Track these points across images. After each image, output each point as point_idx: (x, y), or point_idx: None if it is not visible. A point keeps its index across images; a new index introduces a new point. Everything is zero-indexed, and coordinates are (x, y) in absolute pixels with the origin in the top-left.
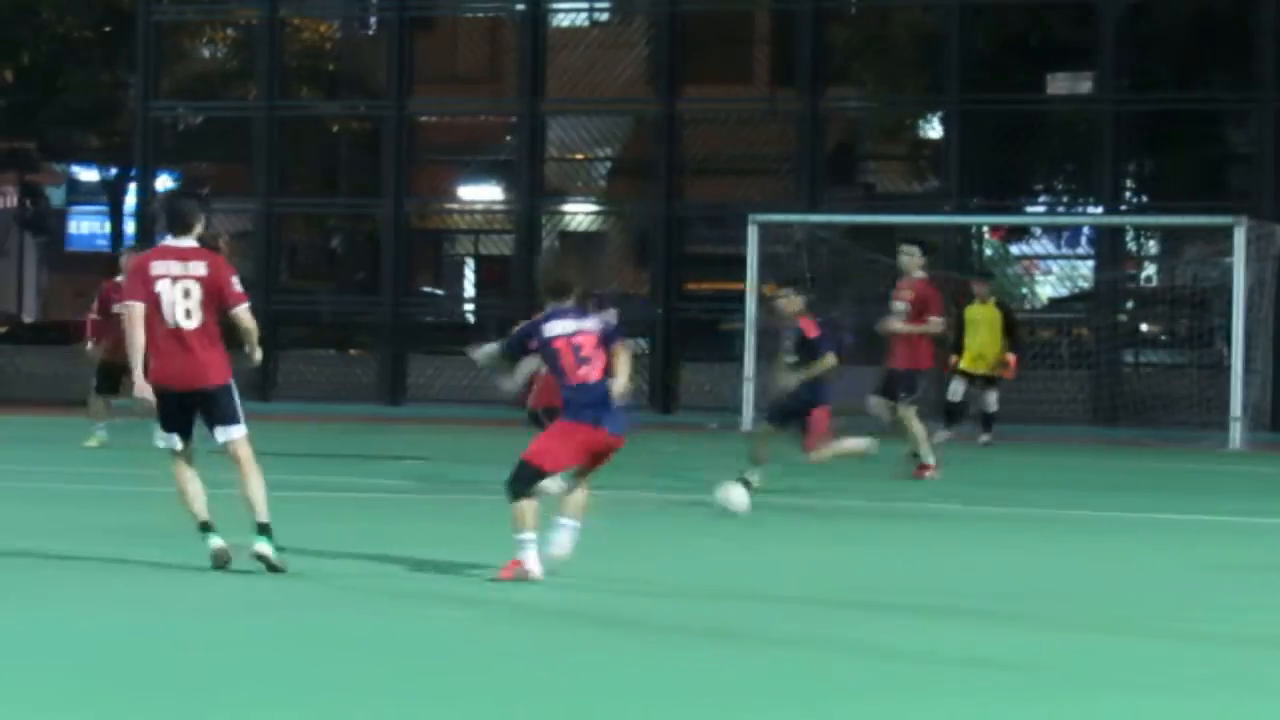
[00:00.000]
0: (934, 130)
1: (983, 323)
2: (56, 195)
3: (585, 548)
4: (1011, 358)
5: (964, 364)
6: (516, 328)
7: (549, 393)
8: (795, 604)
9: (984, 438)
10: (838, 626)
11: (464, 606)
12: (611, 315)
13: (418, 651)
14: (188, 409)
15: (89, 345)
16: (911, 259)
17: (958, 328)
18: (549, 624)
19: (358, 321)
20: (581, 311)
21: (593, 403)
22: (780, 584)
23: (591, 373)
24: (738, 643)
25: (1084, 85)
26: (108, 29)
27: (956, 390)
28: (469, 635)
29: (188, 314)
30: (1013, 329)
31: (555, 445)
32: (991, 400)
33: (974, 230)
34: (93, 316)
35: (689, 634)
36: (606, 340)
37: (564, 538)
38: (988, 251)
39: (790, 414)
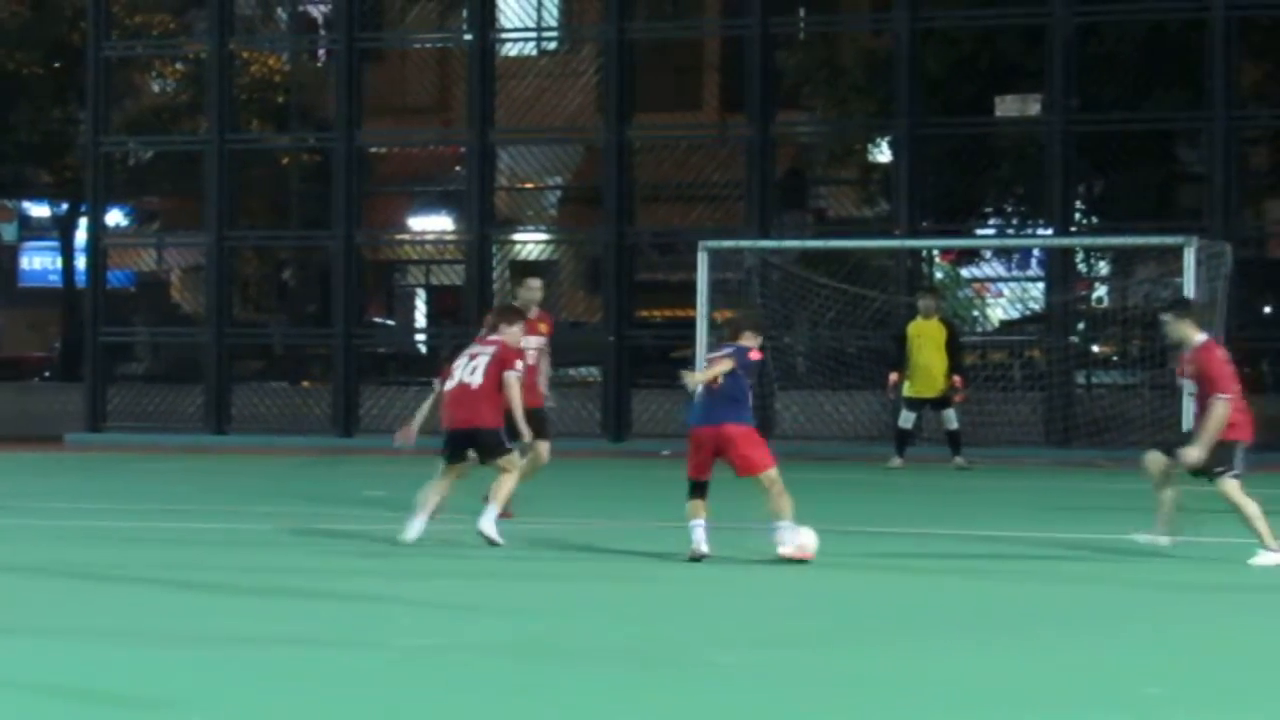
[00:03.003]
0: (884, 154)
1: (926, 339)
2: (8, 231)
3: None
4: (957, 379)
5: (910, 390)
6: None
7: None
8: (734, 630)
9: (958, 460)
10: (779, 651)
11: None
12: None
13: (382, 683)
14: None
15: None
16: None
17: (899, 345)
18: (520, 657)
19: (310, 353)
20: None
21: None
22: (723, 609)
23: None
24: (677, 669)
25: (1033, 107)
26: (57, 65)
27: (907, 418)
28: (431, 667)
29: None
30: (956, 347)
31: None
32: (951, 418)
33: (925, 254)
34: None
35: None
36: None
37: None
38: (939, 275)
39: None
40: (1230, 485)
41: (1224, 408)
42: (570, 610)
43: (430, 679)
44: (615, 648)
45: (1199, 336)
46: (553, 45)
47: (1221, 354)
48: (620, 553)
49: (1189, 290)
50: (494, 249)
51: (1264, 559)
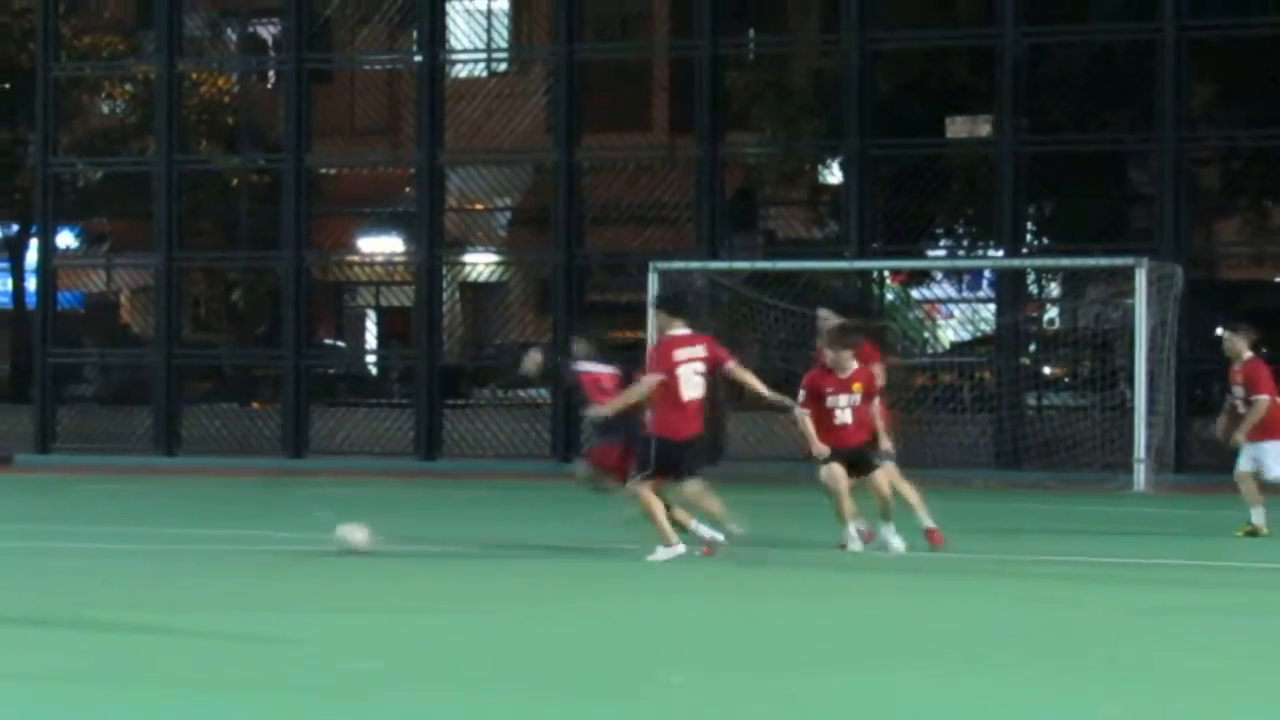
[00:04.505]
0: (834, 175)
1: None
2: None
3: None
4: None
5: None
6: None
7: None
8: (697, 654)
9: None
10: (738, 676)
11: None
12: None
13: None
14: None
15: None
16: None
17: None
18: (458, 682)
19: (260, 374)
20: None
21: None
22: (683, 635)
23: None
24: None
25: (983, 128)
26: (6, 86)
27: None
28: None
29: None
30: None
31: None
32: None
33: (875, 275)
34: None
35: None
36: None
37: None
38: (889, 296)
39: None
40: (640, 486)
41: (639, 390)
42: (512, 639)
43: (369, 712)
44: (563, 675)
45: (670, 330)
46: (502, 66)
47: (673, 351)
48: (568, 577)
49: (1139, 311)
50: (444, 270)
51: (660, 554)
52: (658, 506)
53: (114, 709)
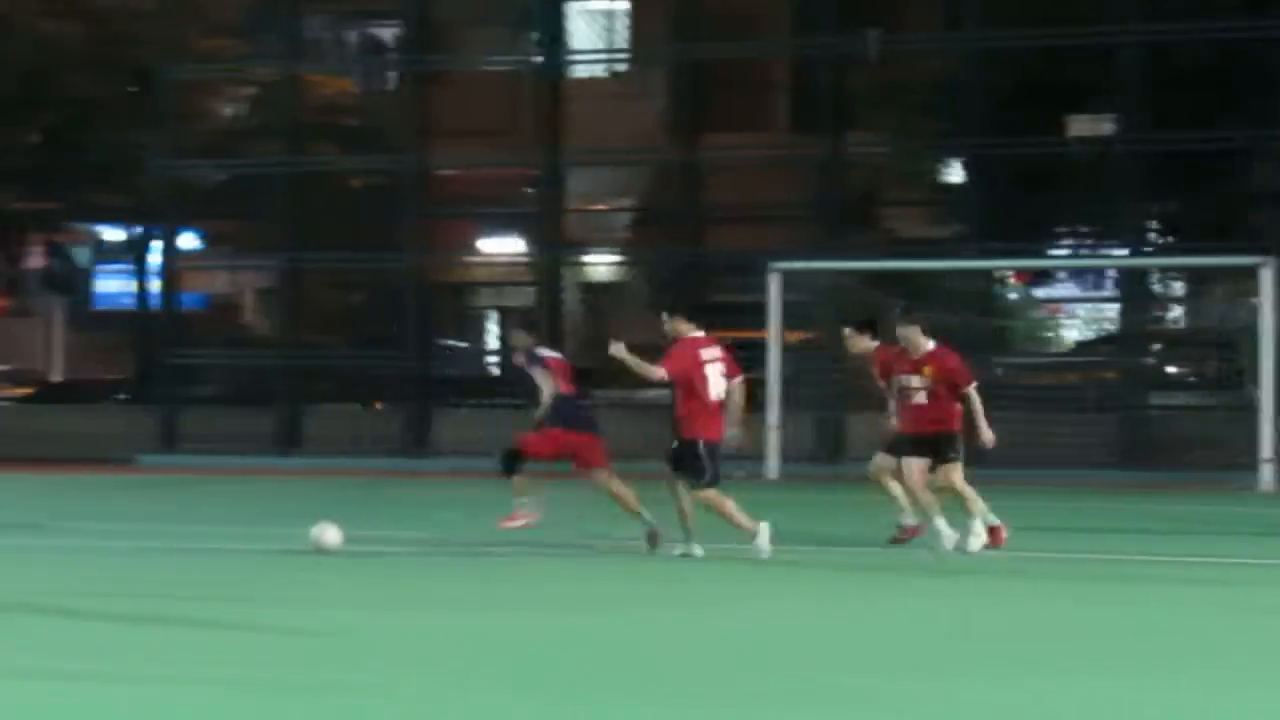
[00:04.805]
0: (955, 174)
1: None
2: (82, 255)
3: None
4: None
5: None
6: None
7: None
8: (799, 660)
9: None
10: (857, 678)
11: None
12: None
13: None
14: None
15: None
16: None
17: None
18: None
19: (380, 375)
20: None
21: None
22: (779, 640)
23: None
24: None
25: (1104, 127)
26: (131, 89)
27: None
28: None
29: None
30: None
31: None
32: None
33: (997, 274)
34: None
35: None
36: None
37: None
38: (1011, 295)
39: None
40: (707, 493)
41: (649, 371)
42: (609, 641)
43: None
44: (714, 678)
45: (687, 333)
46: (622, 67)
47: (695, 350)
48: (670, 580)
49: (1265, 310)
50: (564, 271)
51: (760, 543)
52: (729, 505)
53: (148, 705)
